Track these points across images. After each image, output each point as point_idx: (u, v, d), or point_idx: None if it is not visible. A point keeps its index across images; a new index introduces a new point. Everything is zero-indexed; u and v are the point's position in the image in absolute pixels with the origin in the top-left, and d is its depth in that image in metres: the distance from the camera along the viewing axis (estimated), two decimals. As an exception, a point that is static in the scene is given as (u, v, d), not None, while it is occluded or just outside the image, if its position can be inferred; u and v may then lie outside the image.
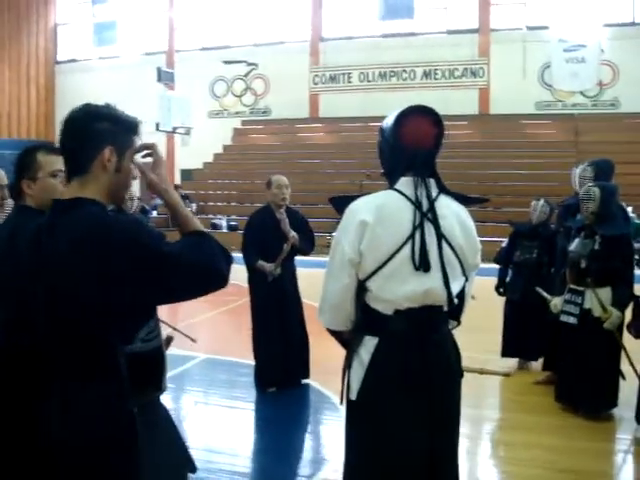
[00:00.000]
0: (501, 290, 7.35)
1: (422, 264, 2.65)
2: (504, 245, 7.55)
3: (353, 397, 2.75)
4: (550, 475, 4.70)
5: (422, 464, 2.69)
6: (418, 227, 2.67)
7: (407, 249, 2.65)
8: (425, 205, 2.70)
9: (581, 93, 21.79)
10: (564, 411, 5.85)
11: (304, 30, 25.55)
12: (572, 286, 5.87)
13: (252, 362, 6.63)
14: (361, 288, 2.73)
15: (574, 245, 5.91)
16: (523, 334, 6.99)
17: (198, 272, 2.11)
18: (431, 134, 2.78)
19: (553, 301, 6.15)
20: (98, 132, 2.18)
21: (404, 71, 23.76)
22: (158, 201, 25.42)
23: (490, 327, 8.21)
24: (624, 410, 5.71)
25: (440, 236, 2.69)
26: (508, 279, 7.31)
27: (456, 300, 2.79)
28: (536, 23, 21.98)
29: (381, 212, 2.68)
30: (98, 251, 2.03)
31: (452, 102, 21.58)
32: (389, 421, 2.68)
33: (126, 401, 2.12)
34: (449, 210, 2.77)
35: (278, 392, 6.40)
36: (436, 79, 23.47)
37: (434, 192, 2.76)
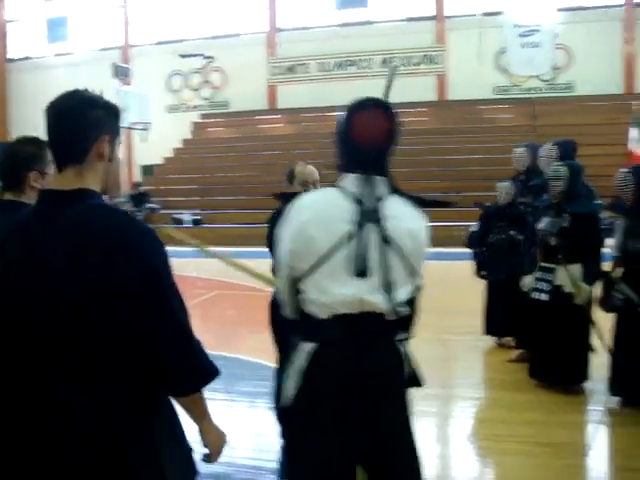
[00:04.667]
0: (483, 273, 7.45)
1: (359, 268, 2.46)
2: (474, 228, 7.64)
3: (288, 403, 2.60)
4: (528, 449, 4.79)
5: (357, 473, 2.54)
6: (358, 228, 2.47)
7: (344, 251, 2.46)
8: (369, 205, 2.51)
9: (537, 77, 22.07)
10: (539, 387, 5.97)
11: (260, 21, 25.46)
12: (543, 264, 5.99)
13: (230, 354, 6.65)
14: (296, 290, 2.59)
15: (543, 224, 6.01)
16: (508, 312, 7.04)
17: (168, 332, 2.06)
18: (382, 130, 2.58)
19: (523, 280, 6.27)
20: (95, 120, 2.13)
21: (361, 60, 23.84)
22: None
23: (462, 310, 8.35)
24: (595, 383, 5.85)
25: (384, 239, 2.49)
26: (485, 261, 7.39)
27: (404, 309, 2.58)
28: (491, 9, 22.17)
29: (317, 211, 2.53)
30: (115, 251, 2.00)
31: (410, 89, 21.68)
32: (323, 430, 2.52)
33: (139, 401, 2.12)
34: (398, 212, 2.55)
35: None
36: (394, 67, 23.62)
37: (382, 191, 2.56)
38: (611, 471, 4.68)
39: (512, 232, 7.18)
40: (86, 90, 2.22)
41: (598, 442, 5.13)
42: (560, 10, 21.14)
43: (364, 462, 2.51)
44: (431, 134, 22.21)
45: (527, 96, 22.35)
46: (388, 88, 4.13)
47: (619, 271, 5.59)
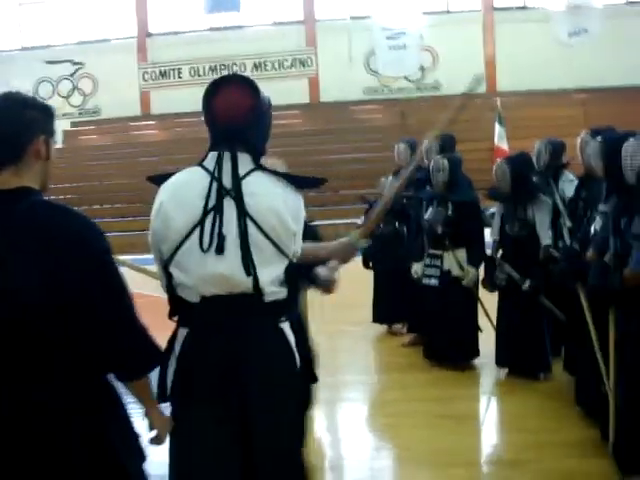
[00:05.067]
0: (372, 264, 7.75)
1: (215, 245, 2.42)
2: (360, 223, 7.96)
3: (168, 394, 2.54)
4: (428, 421, 5.15)
5: (233, 469, 2.48)
6: (215, 204, 2.44)
7: (201, 229, 2.43)
8: (228, 181, 2.47)
9: (405, 78, 22.92)
10: (434, 367, 6.36)
11: (130, 26, 25.06)
12: (431, 251, 6.40)
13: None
14: (167, 275, 2.53)
15: (428, 213, 6.42)
16: (397, 300, 7.39)
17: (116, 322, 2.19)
18: (240, 106, 2.53)
19: (413, 267, 6.66)
20: (31, 120, 2.19)
21: (234, 64, 23.92)
22: None
23: (351, 303, 8.66)
24: (484, 358, 6.32)
25: (244, 215, 2.43)
26: (373, 252, 7.70)
27: (274, 288, 2.49)
28: (359, 13, 22.84)
29: (175, 190, 2.52)
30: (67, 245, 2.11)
31: (283, 92, 21.99)
32: (194, 423, 2.48)
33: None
34: (261, 189, 2.49)
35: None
36: (266, 70, 23.84)
37: (244, 167, 2.50)
38: (505, 433, 5.14)
39: (397, 224, 7.57)
40: (19, 92, 2.28)
41: (492, 409, 5.61)
42: (425, 14, 22.10)
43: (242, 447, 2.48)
44: (305, 135, 22.62)
45: (396, 96, 23.15)
46: (469, 94, 4.07)
47: (500, 253, 6.09)
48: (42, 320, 2.09)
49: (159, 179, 2.61)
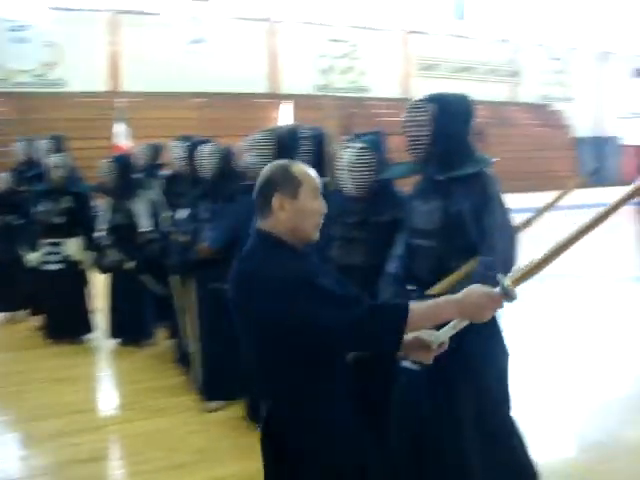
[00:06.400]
0: None
1: None
2: None
3: None
4: (51, 385, 5.98)
5: None
6: None
7: None
8: None
9: (28, 72, 22.64)
10: (55, 343, 7.18)
11: None
12: (50, 240, 7.09)
13: None
14: None
15: (44, 206, 7.09)
16: (16, 288, 7.94)
17: None
18: None
19: (29, 256, 7.31)
20: None
21: None
22: None
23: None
24: (99, 332, 7.31)
25: None
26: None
27: None
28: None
29: None
30: None
31: None
32: None
33: None
34: None
35: None
36: None
37: None
38: (117, 386, 6.25)
39: (10, 217, 8.04)
40: None
41: (106, 370, 6.69)
42: (51, 9, 22.05)
43: None
44: None
45: (19, 90, 22.74)
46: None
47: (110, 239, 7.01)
48: None
49: None
